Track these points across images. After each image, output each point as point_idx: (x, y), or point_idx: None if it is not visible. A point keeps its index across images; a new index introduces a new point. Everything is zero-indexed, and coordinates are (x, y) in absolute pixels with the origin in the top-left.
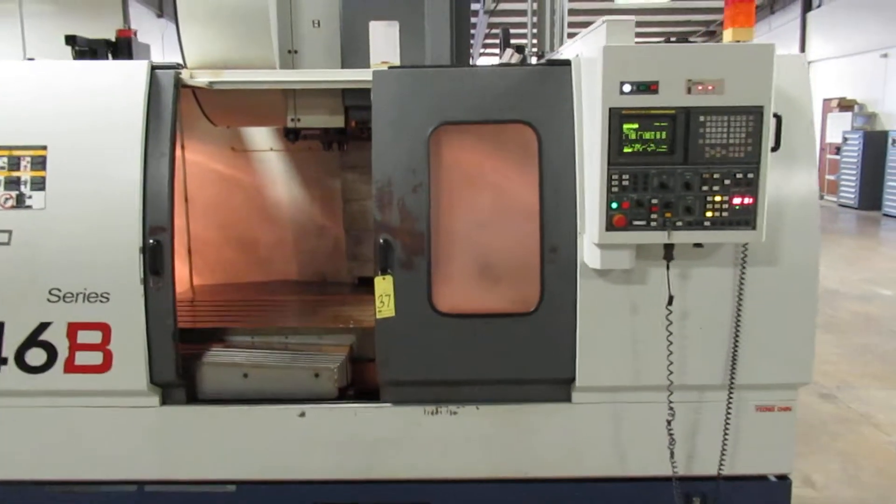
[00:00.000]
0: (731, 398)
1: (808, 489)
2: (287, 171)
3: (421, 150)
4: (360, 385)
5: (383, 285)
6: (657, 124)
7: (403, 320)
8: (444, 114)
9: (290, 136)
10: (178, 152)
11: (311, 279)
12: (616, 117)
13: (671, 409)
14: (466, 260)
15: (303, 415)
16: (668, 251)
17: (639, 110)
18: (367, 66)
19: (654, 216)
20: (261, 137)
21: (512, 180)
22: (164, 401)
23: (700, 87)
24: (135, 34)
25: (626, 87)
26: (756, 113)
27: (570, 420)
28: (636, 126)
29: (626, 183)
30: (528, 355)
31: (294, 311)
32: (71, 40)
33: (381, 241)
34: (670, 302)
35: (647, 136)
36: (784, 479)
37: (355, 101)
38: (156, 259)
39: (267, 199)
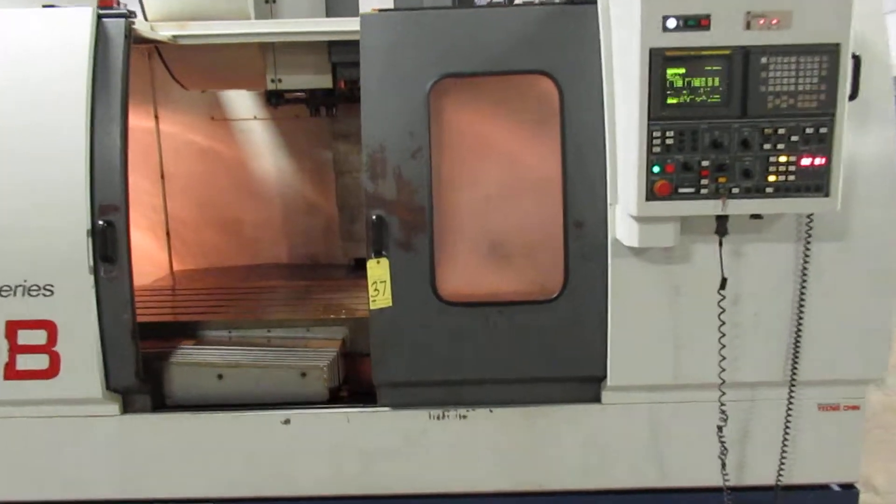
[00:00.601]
0: (791, 396)
1: (870, 494)
2: (273, 141)
3: (420, 109)
4: (354, 384)
5: (377, 270)
6: (709, 68)
7: (402, 311)
8: (447, 64)
9: (273, 100)
10: (152, 123)
11: (303, 262)
12: (658, 60)
13: (723, 412)
14: (475, 238)
15: (287, 421)
16: (721, 224)
17: (686, 51)
18: (357, 14)
19: (704, 182)
20: (243, 104)
21: (528, 142)
22: (126, 408)
23: (762, 22)
24: (118, 3)
25: (671, 23)
26: (831, 52)
27: (598, 423)
28: (683, 71)
29: (670, 142)
30: (549, 349)
31: (280, 299)
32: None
33: (374, 217)
34: (723, 285)
35: (697, 83)
36: (850, 489)
37: (343, 56)
38: (107, 243)
39: (251, 174)
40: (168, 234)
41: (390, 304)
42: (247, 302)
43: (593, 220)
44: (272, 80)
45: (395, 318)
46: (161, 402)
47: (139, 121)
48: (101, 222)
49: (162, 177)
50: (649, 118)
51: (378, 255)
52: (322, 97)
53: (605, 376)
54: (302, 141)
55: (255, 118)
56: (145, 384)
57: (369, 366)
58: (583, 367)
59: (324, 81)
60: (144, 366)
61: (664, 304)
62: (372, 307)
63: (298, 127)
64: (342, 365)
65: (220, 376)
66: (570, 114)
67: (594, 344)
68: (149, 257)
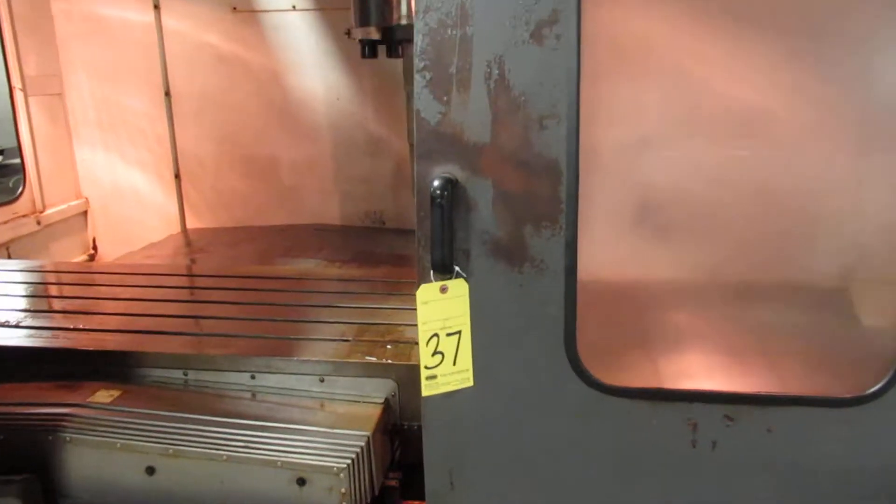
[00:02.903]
0: None
1: None
2: (319, 45)
3: None
4: (412, 458)
5: (441, 308)
6: None
7: (499, 400)
8: None
9: None
10: (150, 14)
11: (361, 223)
12: None
13: None
14: (670, 244)
15: None
16: None
17: None
18: None
19: None
20: None
21: (815, 37)
22: None
23: None
24: None
25: None
26: None
27: None
28: None
29: None
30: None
31: (295, 304)
32: None
33: (437, 184)
34: None
35: None
36: None
37: None
38: None
39: (290, 94)
40: (178, 176)
41: (470, 384)
42: (238, 307)
43: None
44: None
45: (482, 413)
46: None
47: (129, 11)
48: None
49: (167, 94)
50: None
51: (442, 270)
52: None
53: None
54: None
55: (294, 8)
56: (9, 483)
57: None
58: None
59: None
60: (21, 441)
61: None
62: (427, 391)
63: None
64: (384, 453)
65: (150, 469)
66: None
67: None
68: (155, 208)
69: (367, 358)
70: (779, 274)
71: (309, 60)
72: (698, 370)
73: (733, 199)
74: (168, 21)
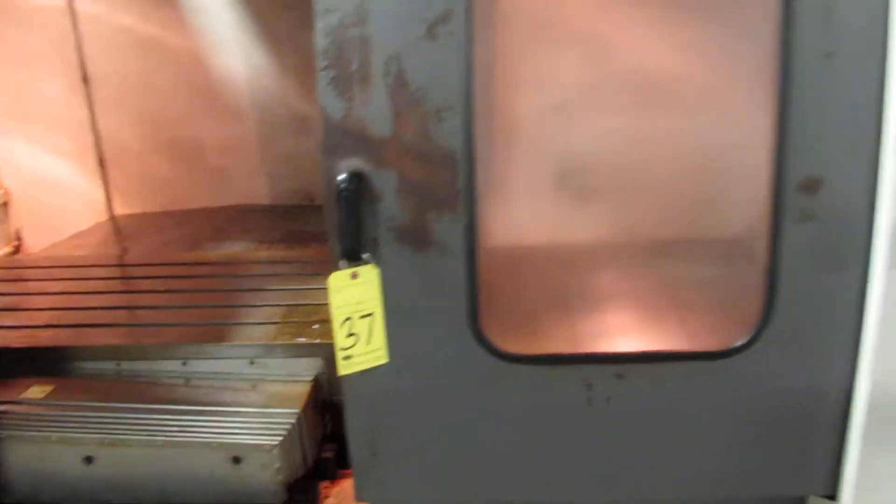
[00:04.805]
0: None
1: None
2: (240, 25)
3: None
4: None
5: (352, 293)
6: None
7: (410, 373)
8: None
9: None
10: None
11: (289, 202)
12: None
13: None
14: (564, 214)
15: None
16: None
17: None
18: None
19: None
20: None
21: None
22: None
23: None
24: None
25: None
26: None
27: None
28: None
29: None
30: (717, 446)
31: (225, 289)
32: None
33: (344, 178)
34: None
35: None
36: None
37: None
38: None
39: (212, 75)
40: (102, 163)
41: (385, 361)
42: (168, 295)
43: (845, 180)
44: None
45: (398, 387)
46: None
47: None
48: None
49: (85, 80)
50: None
51: (352, 258)
52: None
53: (833, 496)
54: (282, 20)
55: None
56: None
57: None
58: (784, 479)
59: None
60: None
61: None
62: (343, 371)
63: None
64: (315, 428)
65: (88, 459)
66: None
67: (813, 437)
68: (81, 196)
69: (297, 339)
70: (665, 233)
71: (230, 40)
72: (596, 331)
73: (640, 163)
74: (81, 3)
